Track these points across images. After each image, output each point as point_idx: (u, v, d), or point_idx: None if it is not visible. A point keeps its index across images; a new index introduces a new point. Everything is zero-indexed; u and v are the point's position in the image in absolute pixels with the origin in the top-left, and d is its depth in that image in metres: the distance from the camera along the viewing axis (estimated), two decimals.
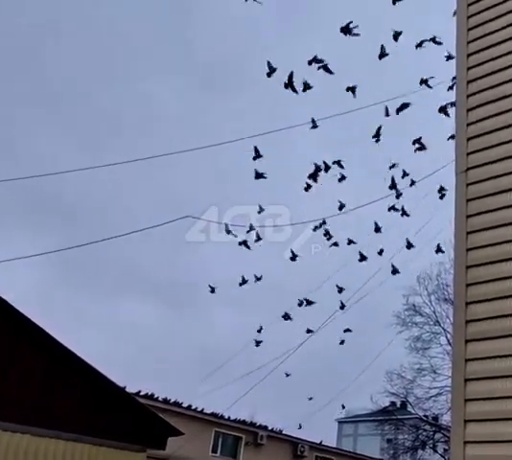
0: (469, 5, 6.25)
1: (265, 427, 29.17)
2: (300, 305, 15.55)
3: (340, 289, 15.78)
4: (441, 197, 13.55)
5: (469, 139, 5.81)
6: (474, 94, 5.94)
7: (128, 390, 20.57)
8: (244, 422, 28.73)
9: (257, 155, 13.01)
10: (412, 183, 13.58)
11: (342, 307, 15.94)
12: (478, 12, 6.13)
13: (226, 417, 27.38)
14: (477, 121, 5.82)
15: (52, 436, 12.53)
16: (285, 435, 29.85)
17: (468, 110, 5.91)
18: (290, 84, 11.99)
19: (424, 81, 12.49)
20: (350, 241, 14.84)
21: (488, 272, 5.21)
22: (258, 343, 16.32)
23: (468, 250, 5.41)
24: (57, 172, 14.21)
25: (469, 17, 6.21)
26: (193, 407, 26.13)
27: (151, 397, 24.35)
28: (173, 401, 25.63)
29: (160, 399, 24.97)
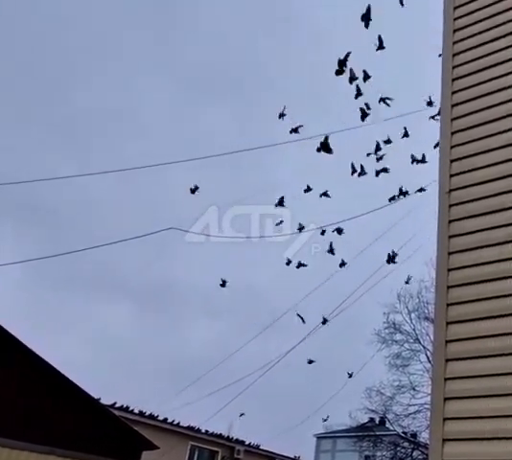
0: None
1: (242, 442, 29.01)
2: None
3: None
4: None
5: (452, 161, 5.91)
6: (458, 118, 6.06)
7: (102, 402, 20.47)
8: (220, 435, 28.55)
9: None
10: (401, 193, 13.64)
11: (324, 322, 16.00)
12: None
13: (203, 430, 27.20)
14: (461, 144, 5.93)
15: (24, 448, 12.34)
16: (262, 450, 29.71)
17: (452, 133, 6.02)
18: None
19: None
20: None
21: (469, 292, 5.29)
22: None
23: (449, 270, 5.49)
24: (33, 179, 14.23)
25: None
26: (169, 420, 25.88)
27: (125, 409, 24.03)
28: (148, 413, 25.40)
29: (135, 411, 24.70)
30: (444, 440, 4.78)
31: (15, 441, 12.19)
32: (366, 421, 32.08)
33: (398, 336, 27.51)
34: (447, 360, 5.09)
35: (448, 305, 5.34)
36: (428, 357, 26.24)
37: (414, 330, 26.95)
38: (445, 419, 4.87)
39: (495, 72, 5.88)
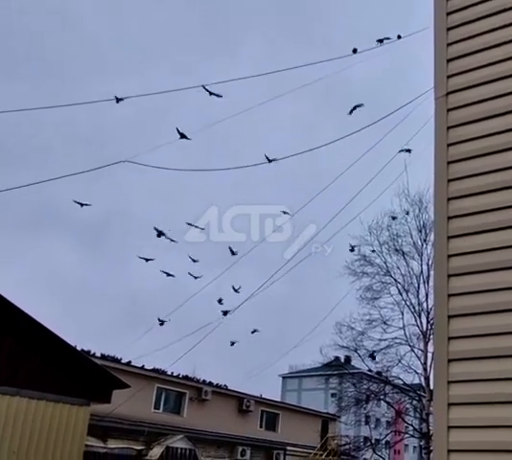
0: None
1: (209, 383, 29.05)
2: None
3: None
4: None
5: (449, 61, 5.37)
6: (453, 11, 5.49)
7: None
8: (187, 377, 28.51)
9: None
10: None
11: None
12: None
13: (169, 373, 27.07)
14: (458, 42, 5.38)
15: None
16: (230, 390, 29.84)
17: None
18: None
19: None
20: None
21: (471, 205, 4.84)
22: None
23: (449, 181, 5.01)
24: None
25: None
26: (132, 363, 25.58)
27: (87, 353, 23.59)
28: (111, 356, 25.05)
29: (97, 355, 24.28)
30: (449, 360, 4.39)
31: None
32: (331, 360, 32.26)
33: (369, 269, 27.33)
34: (449, 275, 4.67)
35: (449, 218, 4.89)
36: (398, 290, 26.32)
37: (385, 262, 26.80)
38: (450, 338, 4.47)
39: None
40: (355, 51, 13.74)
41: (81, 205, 14.97)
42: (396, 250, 26.41)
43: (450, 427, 4.20)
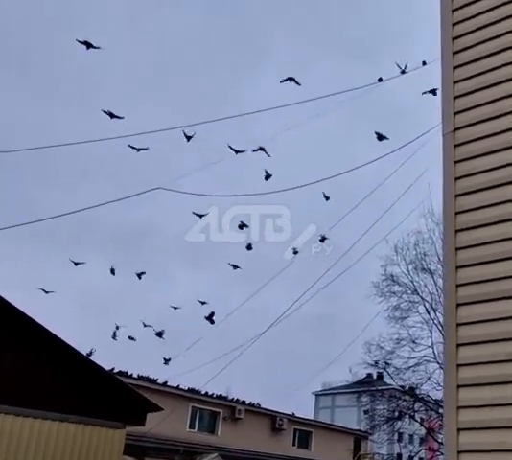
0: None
1: (242, 402, 29.22)
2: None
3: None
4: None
5: (456, 98, 5.63)
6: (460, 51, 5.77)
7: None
8: (221, 396, 28.72)
9: None
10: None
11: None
12: None
13: (203, 392, 27.32)
14: (464, 79, 5.65)
15: (35, 416, 12.53)
16: (263, 409, 29.96)
17: (454, 68, 5.74)
18: None
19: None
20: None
21: (478, 236, 5.07)
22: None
23: (457, 213, 5.26)
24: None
25: None
26: (168, 383, 25.96)
27: (125, 374, 24.08)
28: (147, 377, 25.44)
29: (135, 375, 24.75)
30: (459, 386, 4.62)
31: (31, 410, 12.42)
32: (364, 376, 32.28)
33: (396, 288, 27.40)
34: (458, 305, 4.90)
35: (457, 249, 5.13)
36: (426, 309, 26.25)
37: (412, 281, 26.82)
38: (459, 365, 4.69)
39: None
40: (380, 80, 14.09)
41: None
42: (423, 269, 26.46)
43: (459, 452, 4.41)
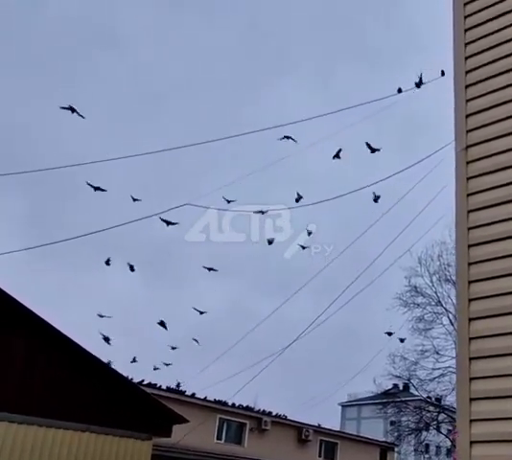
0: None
1: (269, 413, 29.25)
2: None
3: None
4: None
5: (468, 116, 5.76)
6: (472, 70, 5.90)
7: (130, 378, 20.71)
8: (247, 408, 28.80)
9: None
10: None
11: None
12: None
13: (230, 404, 27.44)
14: (476, 97, 5.78)
15: (61, 427, 12.71)
16: (289, 420, 29.94)
17: (466, 86, 5.87)
18: None
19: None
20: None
21: (490, 251, 5.18)
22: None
23: (469, 229, 5.38)
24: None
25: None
26: (196, 395, 26.17)
27: (154, 386, 24.35)
28: (175, 389, 25.67)
29: (163, 387, 25.02)
30: (471, 399, 4.72)
31: (52, 420, 12.60)
32: (390, 387, 32.15)
33: (420, 299, 27.35)
34: (470, 319, 5.01)
35: (469, 264, 5.24)
36: (450, 320, 26.16)
37: (436, 292, 26.78)
38: (471, 378, 4.80)
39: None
40: (400, 90, 14.20)
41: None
42: (447, 280, 26.40)
43: None
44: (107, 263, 16.62)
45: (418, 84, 13.62)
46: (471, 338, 4.94)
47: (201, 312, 17.70)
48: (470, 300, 5.09)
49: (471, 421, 4.65)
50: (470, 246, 5.31)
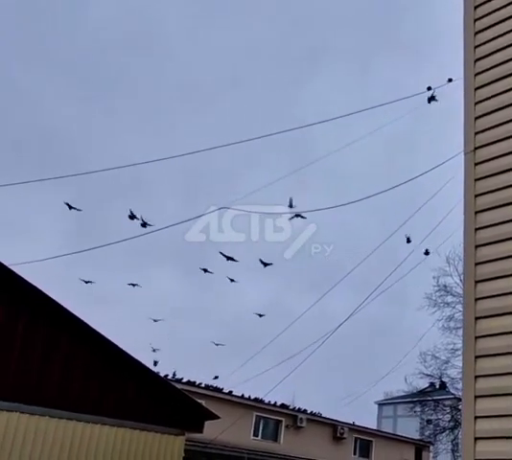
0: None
1: (304, 411, 29.44)
2: None
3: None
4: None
5: (476, 118, 5.86)
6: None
7: (169, 377, 21.34)
8: (283, 405, 29.00)
9: None
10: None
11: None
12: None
13: (266, 401, 27.70)
14: (484, 100, 5.88)
15: (96, 422, 13.01)
16: (324, 418, 30.07)
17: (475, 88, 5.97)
18: None
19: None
20: None
21: (497, 251, 5.28)
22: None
23: (476, 229, 5.48)
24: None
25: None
26: (233, 393, 26.51)
27: (193, 384, 24.86)
28: (213, 387, 26.05)
29: (202, 385, 25.46)
30: (476, 397, 4.85)
31: (88, 415, 12.89)
32: (426, 386, 32.03)
33: (449, 299, 27.25)
34: (477, 318, 5.13)
35: (476, 264, 5.34)
36: None
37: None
38: (476, 376, 4.92)
39: None
40: (429, 88, 14.32)
41: None
42: None
43: None
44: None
45: (429, 100, 13.89)
46: (477, 337, 5.05)
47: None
48: (476, 299, 5.20)
49: (475, 418, 4.76)
50: (477, 247, 5.42)
